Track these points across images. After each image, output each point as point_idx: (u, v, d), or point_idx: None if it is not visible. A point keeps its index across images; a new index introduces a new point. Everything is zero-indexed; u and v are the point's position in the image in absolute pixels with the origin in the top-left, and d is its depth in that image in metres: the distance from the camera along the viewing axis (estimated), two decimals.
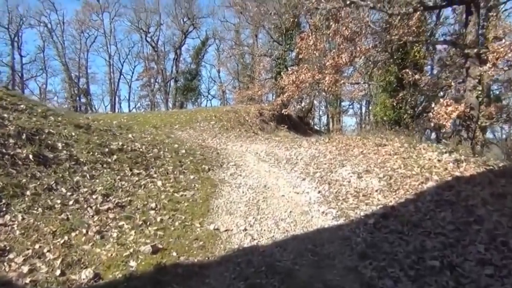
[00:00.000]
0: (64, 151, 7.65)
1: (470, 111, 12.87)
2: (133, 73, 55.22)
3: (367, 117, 47.03)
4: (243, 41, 42.99)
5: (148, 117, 19.60)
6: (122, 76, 53.72)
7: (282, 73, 24.41)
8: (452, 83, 17.99)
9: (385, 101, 21.13)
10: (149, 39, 47.69)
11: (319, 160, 10.81)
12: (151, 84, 51.81)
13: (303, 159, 11.10)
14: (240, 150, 12.69)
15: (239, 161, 11.03)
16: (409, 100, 19.43)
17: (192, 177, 8.75)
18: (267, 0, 31.86)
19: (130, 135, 10.91)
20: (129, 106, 56.49)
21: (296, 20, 28.97)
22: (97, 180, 7.17)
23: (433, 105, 14.68)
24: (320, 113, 51.00)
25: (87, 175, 7.18)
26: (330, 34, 18.45)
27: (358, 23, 16.48)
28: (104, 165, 7.89)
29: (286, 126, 24.63)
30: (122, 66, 52.82)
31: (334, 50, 20.93)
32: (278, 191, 8.19)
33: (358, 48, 17.06)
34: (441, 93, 20.68)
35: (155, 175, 8.31)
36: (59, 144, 7.82)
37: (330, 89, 20.23)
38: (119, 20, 50.29)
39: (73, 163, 7.42)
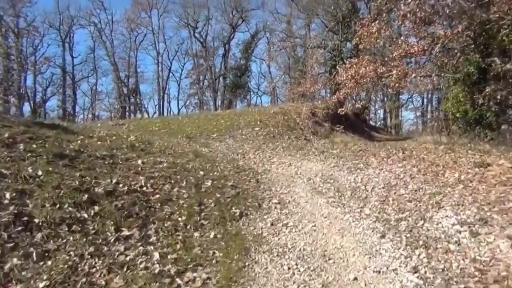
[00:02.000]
0: (11, 207, 4.79)
1: None
2: (182, 70, 53.43)
3: (431, 112, 42.44)
4: (295, 33, 39.74)
5: (184, 123, 16.81)
6: (171, 74, 51.97)
7: (338, 67, 20.87)
8: None
9: (458, 95, 17.35)
10: (197, 35, 45.45)
11: (399, 192, 7.55)
12: (200, 82, 49.62)
13: (374, 190, 7.83)
14: (288, 173, 9.49)
15: (286, 194, 7.86)
16: (496, 95, 15.51)
17: (213, 234, 5.66)
18: None
19: (139, 161, 7.93)
20: (178, 105, 54.71)
21: (354, 5, 25.52)
22: (48, 263, 4.25)
23: None
24: (376, 106, 46.88)
25: (34, 254, 4.28)
26: (398, 17, 14.91)
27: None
28: (74, 227, 4.95)
29: (342, 127, 21.18)
30: (171, 63, 51.02)
31: (402, 37, 17.30)
32: (346, 267, 4.94)
33: (441, 32, 13.34)
34: None
35: (154, 238, 5.29)
36: (7, 195, 4.98)
37: (397, 84, 16.61)
38: (167, 16, 48.31)
39: (19, 228, 4.56)
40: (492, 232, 5.36)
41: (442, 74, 19.29)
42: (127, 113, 47.27)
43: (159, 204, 6.22)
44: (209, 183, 7.64)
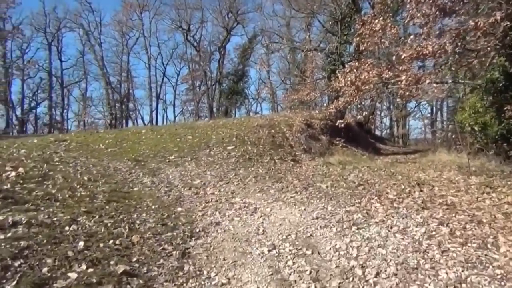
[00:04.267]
0: None
1: None
2: (178, 76, 50.17)
3: (441, 122, 38.69)
4: (293, 36, 36.30)
5: (142, 139, 13.32)
6: (167, 79, 48.71)
7: (337, 72, 17.44)
8: None
9: (475, 105, 13.91)
10: (191, 39, 41.96)
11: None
12: (195, 88, 46.24)
13: (380, 280, 4.37)
14: (244, 232, 5.82)
15: None
16: None
17: None
18: None
19: None
20: (174, 112, 51.51)
21: (355, 2, 22.07)
22: None
23: None
24: (382, 114, 43.22)
25: None
26: (408, 10, 11.63)
27: None
28: None
29: (342, 140, 17.68)
30: (165, 68, 47.68)
31: (412, 36, 13.83)
32: None
33: (471, 23, 9.82)
34: None
35: None
36: None
37: (407, 92, 13.13)
38: (160, 19, 44.92)
39: None
40: None
41: (465, 81, 15.74)
42: (118, 121, 43.92)
43: None
44: (82, 267, 4.17)
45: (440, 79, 15.33)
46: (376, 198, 7.17)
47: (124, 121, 45.07)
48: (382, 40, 14.01)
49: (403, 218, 6.04)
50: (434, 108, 39.37)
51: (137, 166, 9.97)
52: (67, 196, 6.18)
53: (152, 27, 45.07)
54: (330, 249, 5.20)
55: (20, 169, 6.93)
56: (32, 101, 44.43)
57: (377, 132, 38.63)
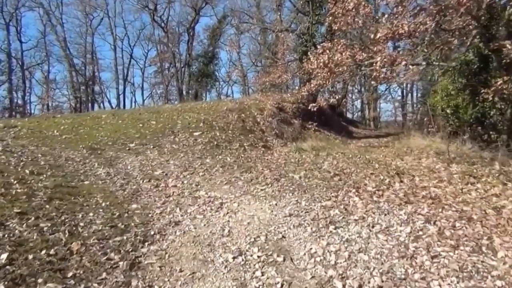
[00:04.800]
0: None
1: None
2: (146, 58, 48.45)
3: (412, 105, 38.60)
4: (264, 16, 35.15)
5: (101, 124, 12.26)
6: (134, 61, 46.93)
7: (309, 53, 16.74)
8: None
9: (447, 87, 13.51)
10: (158, 19, 40.22)
11: None
12: (164, 70, 44.70)
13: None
14: (206, 234, 5.03)
15: None
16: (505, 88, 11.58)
17: None
18: None
19: None
20: (142, 95, 50.09)
21: None
22: None
23: None
24: (353, 97, 42.82)
25: None
26: None
27: None
28: None
29: (315, 124, 17.04)
30: (132, 50, 45.90)
31: (386, 15, 13.15)
32: None
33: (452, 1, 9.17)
34: None
35: None
36: None
37: (381, 74, 12.51)
38: None
39: None
40: None
41: (433, 62, 15.22)
42: (83, 104, 42.04)
43: None
44: None
45: (415, 60, 14.80)
46: (354, 190, 6.50)
47: (90, 104, 43.22)
48: (356, 19, 13.32)
49: (385, 215, 5.38)
50: (404, 90, 39.22)
51: (93, 155, 9.02)
52: None
53: (117, 7, 43.36)
54: (304, 254, 4.49)
55: None
56: None
57: (349, 115, 38.25)
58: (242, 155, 10.07)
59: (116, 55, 43.68)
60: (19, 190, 5.52)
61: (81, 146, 9.63)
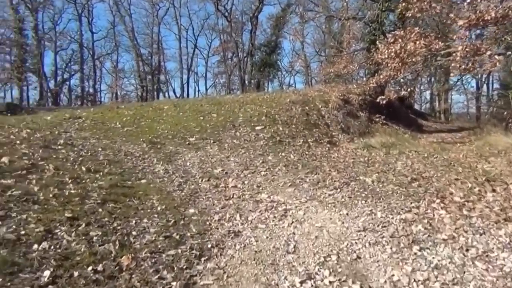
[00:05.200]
0: None
1: None
2: (209, 47, 48.67)
3: (487, 97, 35.87)
4: (329, 4, 33.87)
5: (163, 116, 11.97)
6: (198, 51, 47.28)
7: (378, 42, 15.67)
8: None
9: None
10: (221, 8, 40.04)
11: None
12: (227, 60, 44.62)
13: None
14: (269, 249, 4.39)
15: None
16: None
17: None
18: None
19: None
20: (205, 84, 50.28)
21: None
22: None
23: None
24: (422, 88, 40.48)
25: None
26: None
27: None
28: None
29: (382, 117, 15.98)
30: (196, 40, 46.19)
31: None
32: None
33: None
34: None
35: None
36: None
37: (462, 65, 11.29)
38: None
39: None
40: None
41: None
42: (149, 93, 43.03)
43: None
44: None
45: (499, 49, 13.31)
46: (438, 201, 5.62)
47: (155, 93, 44.20)
48: (433, 5, 12.13)
49: (480, 235, 4.52)
50: (479, 81, 36.43)
51: (152, 149, 8.69)
52: (50, 195, 4.93)
53: None
54: (385, 282, 3.77)
55: (4, 159, 5.73)
56: (65, 72, 44.19)
57: (416, 107, 36.16)
58: (307, 152, 9.37)
59: (181, 45, 44.28)
60: (72, 191, 5.19)
61: (141, 139, 9.35)
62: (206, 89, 50.34)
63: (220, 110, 12.55)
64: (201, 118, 11.55)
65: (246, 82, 39.77)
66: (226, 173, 7.52)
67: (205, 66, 49.84)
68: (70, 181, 5.55)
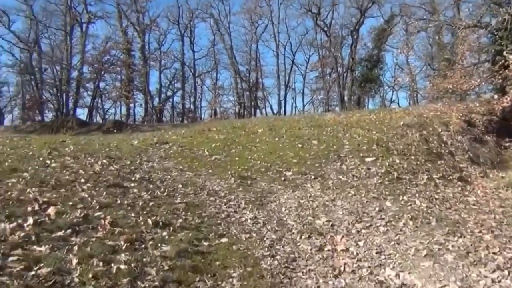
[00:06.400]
0: None
1: None
2: (307, 63, 47.04)
3: None
4: (439, 14, 30.47)
5: (256, 142, 10.35)
6: (296, 67, 45.91)
7: (505, 53, 12.94)
8: None
9: None
10: (321, 23, 38.23)
11: None
12: (325, 76, 42.57)
13: None
14: None
15: None
16: None
17: None
18: None
19: None
20: (303, 101, 48.44)
21: None
22: None
23: None
24: None
25: None
26: None
27: None
28: None
29: None
30: (294, 56, 44.78)
31: None
32: None
33: None
34: None
35: None
36: None
37: None
38: (289, 4, 41.81)
39: None
40: None
41: None
42: (246, 110, 42.49)
43: None
44: None
45: None
46: None
47: (252, 110, 43.55)
48: None
49: None
50: None
51: (241, 186, 7.11)
52: (90, 276, 3.41)
53: (281, 13, 42.43)
54: None
55: (50, 210, 4.42)
56: (168, 90, 45.42)
57: None
58: (436, 196, 7.11)
59: (279, 61, 43.08)
60: (122, 266, 3.65)
61: (229, 172, 7.84)
62: (303, 106, 48.65)
63: (321, 135, 10.68)
64: (299, 145, 9.75)
65: (346, 98, 37.43)
66: (332, 225, 5.65)
67: (303, 82, 48.17)
68: (124, 246, 4.05)
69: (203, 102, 49.97)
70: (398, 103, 43.62)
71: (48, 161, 6.91)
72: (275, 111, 44.42)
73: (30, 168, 6.15)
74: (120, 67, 40.94)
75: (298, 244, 5.06)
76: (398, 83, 40.85)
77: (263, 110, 46.26)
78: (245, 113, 41.96)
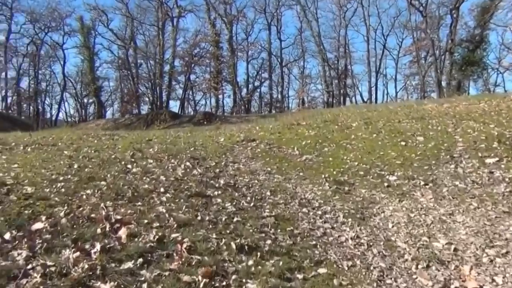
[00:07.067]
0: None
1: None
2: (400, 47, 44.24)
3: None
4: None
5: (351, 138, 9.25)
6: (387, 52, 43.34)
7: None
8: None
9: None
10: (415, 3, 35.34)
11: None
12: (419, 60, 39.49)
13: None
14: None
15: None
16: None
17: None
18: None
19: None
20: (395, 87, 45.88)
21: None
22: None
23: None
24: None
25: None
26: None
27: None
28: None
29: None
30: (386, 40, 42.32)
31: None
32: None
33: None
34: None
35: None
36: None
37: None
38: None
39: None
40: None
41: None
42: (335, 98, 40.93)
43: None
44: None
45: None
46: None
47: (341, 98, 41.86)
48: None
49: None
50: None
51: (337, 194, 6.15)
52: None
53: None
54: None
55: (121, 233, 3.82)
56: (256, 80, 45.37)
57: None
58: None
59: (369, 47, 40.92)
60: None
61: (323, 176, 6.90)
62: (396, 93, 45.95)
63: (427, 130, 9.27)
64: (402, 143, 8.47)
65: (444, 83, 34.35)
66: (455, 251, 4.49)
67: (395, 67, 45.41)
68: (202, 283, 3.28)
69: (290, 91, 49.41)
70: (504, 87, 39.41)
71: (129, 165, 6.50)
72: (365, 99, 42.44)
73: (109, 175, 5.72)
74: (209, 59, 41.68)
75: (415, 277, 4.01)
76: (502, 64, 36.81)
77: (353, 98, 44.58)
78: (334, 101, 40.48)
